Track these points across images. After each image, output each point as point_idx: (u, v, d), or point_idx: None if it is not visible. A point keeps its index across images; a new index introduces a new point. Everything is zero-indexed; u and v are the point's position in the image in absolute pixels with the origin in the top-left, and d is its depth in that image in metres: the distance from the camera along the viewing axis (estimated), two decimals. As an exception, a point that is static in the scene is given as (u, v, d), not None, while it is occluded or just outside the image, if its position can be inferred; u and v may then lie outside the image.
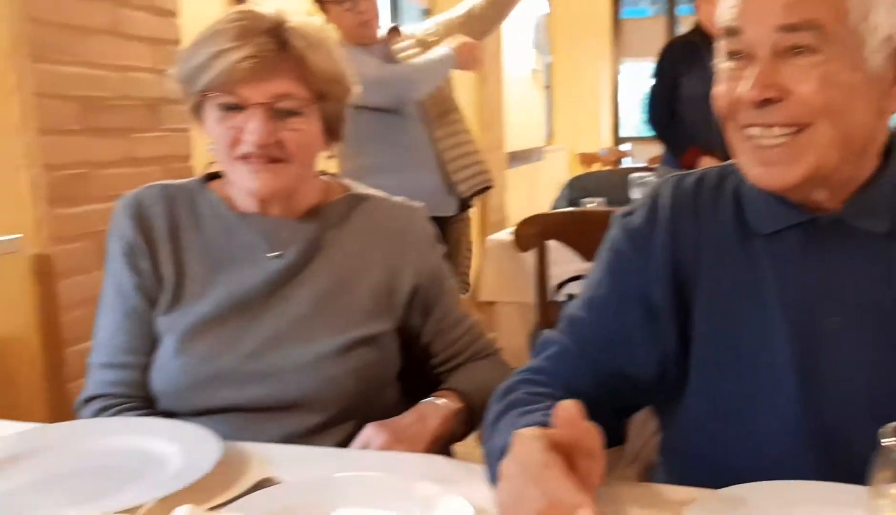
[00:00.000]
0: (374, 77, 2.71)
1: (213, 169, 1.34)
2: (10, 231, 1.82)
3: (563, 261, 2.44)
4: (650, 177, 3.12)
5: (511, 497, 0.76)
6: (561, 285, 2.65)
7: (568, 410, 0.76)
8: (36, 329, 1.92)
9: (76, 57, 2.01)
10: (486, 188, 3.04)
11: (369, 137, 2.68)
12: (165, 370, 1.24)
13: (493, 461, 0.87)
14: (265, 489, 0.90)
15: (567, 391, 0.97)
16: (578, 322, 1.02)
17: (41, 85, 1.91)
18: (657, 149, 4.92)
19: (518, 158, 6.06)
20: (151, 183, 1.34)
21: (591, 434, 0.76)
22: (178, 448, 1.04)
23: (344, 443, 1.21)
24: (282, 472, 0.98)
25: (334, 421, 1.23)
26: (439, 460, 1.05)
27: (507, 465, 0.77)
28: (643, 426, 1.19)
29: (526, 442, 0.76)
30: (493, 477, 0.86)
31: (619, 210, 1.06)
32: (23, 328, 1.89)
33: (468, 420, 1.25)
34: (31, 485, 0.98)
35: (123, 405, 1.25)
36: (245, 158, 1.22)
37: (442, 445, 1.22)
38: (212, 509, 0.82)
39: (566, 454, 0.75)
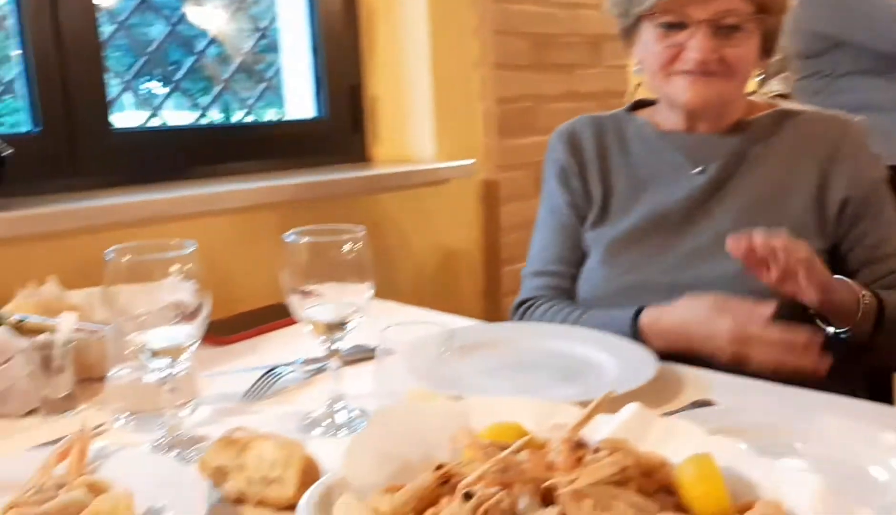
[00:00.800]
0: None
1: (639, 96, 1.42)
2: (466, 157, 2.03)
3: None
4: None
5: None
6: None
7: None
8: (480, 247, 2.14)
9: (530, -5, 2.15)
10: None
11: (863, 74, 2.46)
12: (591, 280, 1.32)
13: None
14: (705, 407, 0.89)
15: None
16: None
17: (499, 23, 2.08)
18: None
19: None
20: (582, 115, 1.44)
21: None
22: (614, 359, 1.08)
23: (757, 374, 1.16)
24: (718, 397, 0.96)
25: None
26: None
27: None
28: None
29: None
30: None
31: None
32: (470, 244, 2.12)
33: (875, 322, 1.13)
34: (486, 371, 1.10)
35: (551, 302, 1.34)
36: (682, 74, 1.23)
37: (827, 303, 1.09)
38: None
39: None
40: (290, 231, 0.93)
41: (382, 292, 1.40)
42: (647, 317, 1.17)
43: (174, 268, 0.86)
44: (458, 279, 2.10)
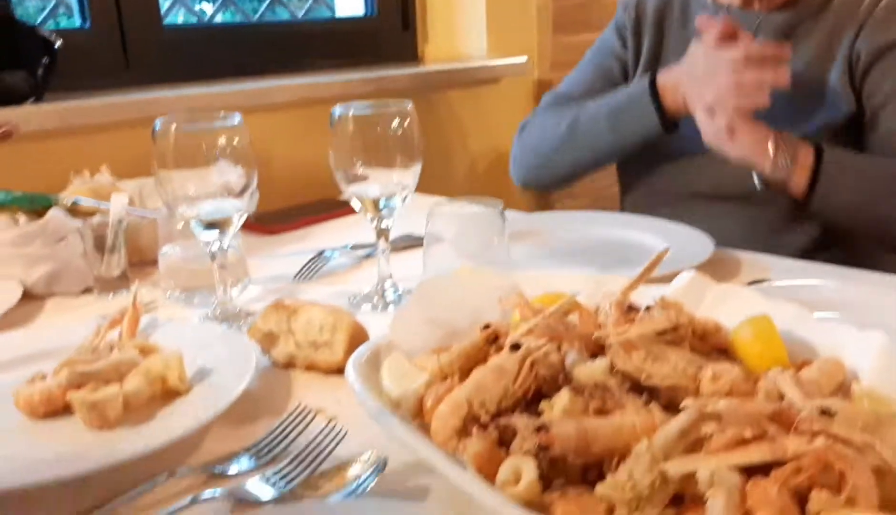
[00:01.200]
0: None
1: None
2: (519, 55, 1.97)
3: None
4: None
5: None
6: None
7: None
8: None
9: None
10: None
11: None
12: None
13: None
14: (762, 283, 0.87)
15: None
16: None
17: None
18: None
19: None
20: None
21: None
22: (669, 243, 1.05)
23: (808, 249, 1.16)
24: (776, 278, 0.93)
25: (795, 217, 1.18)
26: None
27: None
28: None
29: None
30: None
31: None
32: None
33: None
34: (538, 256, 1.09)
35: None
36: None
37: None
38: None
39: None
40: (338, 105, 0.92)
41: (435, 190, 1.39)
42: (661, 78, 1.21)
43: (222, 141, 0.85)
44: (510, 179, 2.07)
